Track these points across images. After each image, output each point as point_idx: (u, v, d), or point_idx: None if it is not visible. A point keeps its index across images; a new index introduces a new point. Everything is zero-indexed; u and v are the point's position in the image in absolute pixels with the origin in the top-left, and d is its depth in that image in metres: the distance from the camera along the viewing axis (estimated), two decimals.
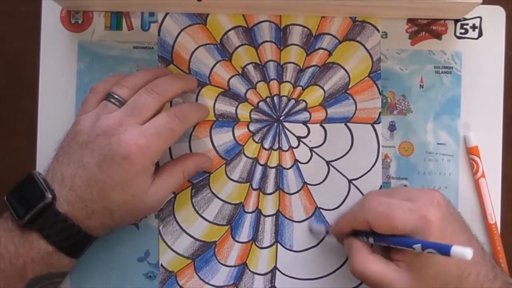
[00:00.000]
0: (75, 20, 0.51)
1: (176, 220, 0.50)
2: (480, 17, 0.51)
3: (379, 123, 0.51)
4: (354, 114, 0.51)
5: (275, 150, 0.51)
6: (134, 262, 0.50)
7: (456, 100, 0.51)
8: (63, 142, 0.44)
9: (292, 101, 0.51)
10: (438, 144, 0.51)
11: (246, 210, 0.51)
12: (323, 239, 0.50)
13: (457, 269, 0.40)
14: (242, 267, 0.50)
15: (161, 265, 0.50)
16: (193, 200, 0.50)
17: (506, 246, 0.50)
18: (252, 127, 0.51)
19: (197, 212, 0.50)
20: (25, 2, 0.52)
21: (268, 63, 0.51)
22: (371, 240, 0.43)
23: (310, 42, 0.51)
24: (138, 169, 0.42)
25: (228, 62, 0.51)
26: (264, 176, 0.51)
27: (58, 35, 0.51)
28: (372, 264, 0.41)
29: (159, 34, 0.51)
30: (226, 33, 0.51)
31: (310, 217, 0.50)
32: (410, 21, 0.51)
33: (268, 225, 0.51)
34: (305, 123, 0.51)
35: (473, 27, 0.51)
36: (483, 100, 0.51)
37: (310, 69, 0.51)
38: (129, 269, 0.50)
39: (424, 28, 0.51)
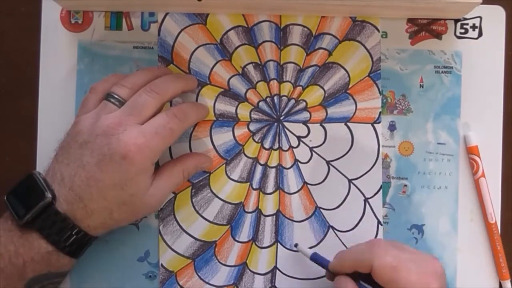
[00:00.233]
0: (75, 20, 0.51)
1: (176, 220, 0.50)
2: (480, 17, 0.51)
3: (379, 123, 0.51)
4: (354, 114, 0.51)
5: (275, 150, 0.51)
6: (134, 262, 0.50)
7: (456, 100, 0.51)
8: (63, 142, 0.44)
9: (292, 101, 0.51)
10: (438, 144, 0.51)
11: (246, 210, 0.51)
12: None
13: None
14: (242, 267, 0.50)
15: (161, 265, 0.50)
16: (193, 200, 0.50)
17: (506, 246, 0.50)
18: (252, 127, 0.51)
19: (197, 212, 0.50)
20: (25, 2, 0.52)
21: (268, 63, 0.51)
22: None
23: (310, 42, 0.51)
24: (137, 169, 0.42)
25: (228, 62, 0.51)
26: (264, 176, 0.51)
27: (58, 35, 0.51)
28: None
29: (159, 34, 0.51)
30: (226, 33, 0.51)
31: (310, 217, 0.50)
32: (410, 21, 0.51)
33: (268, 225, 0.51)
34: (305, 123, 0.51)
35: (473, 27, 0.51)
36: (483, 100, 0.51)
37: (310, 69, 0.51)
38: (129, 269, 0.50)
39: (424, 28, 0.51)
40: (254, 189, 0.51)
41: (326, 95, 0.51)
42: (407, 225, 0.50)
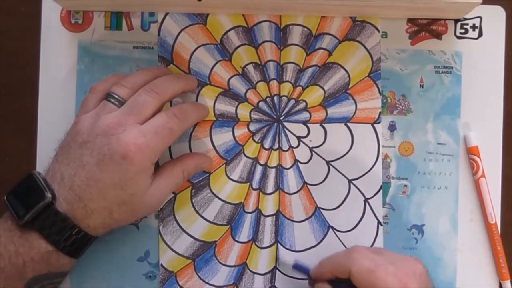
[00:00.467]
0: (75, 20, 0.51)
1: (176, 220, 0.50)
2: (480, 17, 0.51)
3: (379, 123, 0.51)
4: (354, 114, 0.51)
5: (275, 150, 0.51)
6: (134, 262, 0.50)
7: (456, 100, 0.51)
8: (63, 142, 0.44)
9: (292, 101, 0.51)
10: (438, 144, 0.51)
11: (246, 210, 0.51)
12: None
13: None
14: (242, 267, 0.50)
15: (161, 265, 0.50)
16: (193, 200, 0.50)
17: (506, 246, 0.50)
18: (252, 127, 0.51)
19: (197, 212, 0.50)
20: (25, 2, 0.52)
21: (268, 63, 0.51)
22: None
23: (310, 42, 0.51)
24: (137, 169, 0.42)
25: (228, 62, 0.51)
26: (264, 176, 0.51)
27: (58, 35, 0.51)
28: None
29: (159, 34, 0.51)
30: (226, 33, 0.51)
31: (310, 217, 0.50)
32: (410, 21, 0.51)
33: (268, 225, 0.50)
34: (305, 123, 0.51)
35: (473, 27, 0.51)
36: (483, 100, 0.51)
37: (310, 69, 0.51)
38: (129, 269, 0.50)
39: (424, 28, 0.51)
40: (254, 189, 0.51)
41: (326, 95, 0.51)
42: (407, 225, 0.50)
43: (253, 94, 0.51)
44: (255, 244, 0.50)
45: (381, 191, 0.50)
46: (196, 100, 0.51)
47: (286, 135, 0.51)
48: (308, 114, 0.51)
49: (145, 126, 0.43)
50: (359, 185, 0.50)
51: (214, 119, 0.51)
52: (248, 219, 0.50)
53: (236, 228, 0.50)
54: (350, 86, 0.51)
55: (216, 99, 0.51)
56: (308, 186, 0.51)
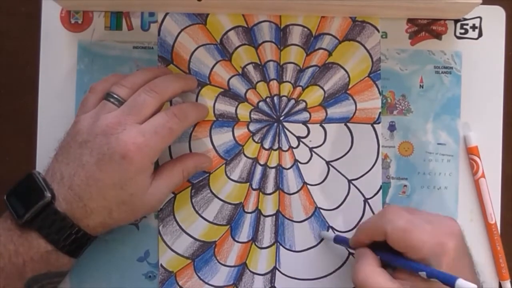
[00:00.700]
0: (75, 20, 0.51)
1: (176, 220, 0.50)
2: (480, 17, 0.51)
3: (379, 123, 0.51)
4: (354, 114, 0.51)
5: (275, 150, 0.51)
6: (134, 262, 0.50)
7: (456, 100, 0.51)
8: (63, 142, 0.45)
9: (292, 101, 0.51)
10: (438, 144, 0.51)
11: (246, 210, 0.51)
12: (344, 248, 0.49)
13: None
14: (242, 267, 0.50)
15: (161, 265, 0.50)
16: (193, 200, 0.50)
17: (506, 246, 0.50)
18: (252, 127, 0.51)
19: (197, 212, 0.50)
20: (25, 2, 0.52)
21: (268, 63, 0.51)
22: (382, 257, 0.42)
23: (310, 42, 0.51)
24: (137, 168, 0.42)
25: (228, 62, 0.51)
26: (264, 176, 0.51)
27: (58, 35, 0.51)
28: (378, 278, 0.40)
29: (159, 34, 0.51)
30: (226, 33, 0.51)
31: (310, 217, 0.50)
32: (410, 21, 0.51)
33: (268, 225, 0.50)
34: (305, 123, 0.51)
35: (473, 27, 0.51)
36: (483, 100, 0.51)
37: (310, 69, 0.51)
38: (129, 269, 0.50)
39: (424, 28, 0.51)
40: (254, 190, 0.51)
41: (326, 95, 0.51)
42: None
43: (253, 94, 0.51)
44: (255, 244, 0.50)
45: (381, 191, 0.50)
46: (196, 100, 0.51)
47: (286, 135, 0.51)
48: (308, 114, 0.51)
49: (144, 126, 0.43)
50: (359, 185, 0.50)
51: (214, 119, 0.51)
52: (248, 219, 0.50)
53: (236, 228, 0.50)
54: (350, 86, 0.51)
55: (216, 99, 0.51)
56: (308, 186, 0.51)
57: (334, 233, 0.50)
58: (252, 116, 0.51)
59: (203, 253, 0.50)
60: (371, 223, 0.44)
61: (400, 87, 0.51)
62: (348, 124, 0.51)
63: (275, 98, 0.51)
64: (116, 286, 0.50)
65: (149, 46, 0.51)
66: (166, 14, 0.51)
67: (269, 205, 0.51)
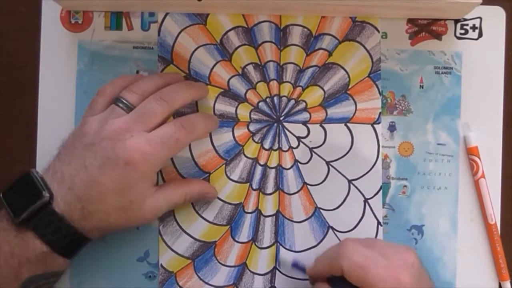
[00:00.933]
0: (75, 20, 0.51)
1: (176, 220, 0.50)
2: (480, 18, 0.51)
3: (379, 123, 0.51)
4: (354, 115, 0.51)
5: (275, 150, 0.51)
6: (134, 262, 0.50)
7: (456, 100, 0.51)
8: (67, 142, 0.44)
9: (292, 102, 0.51)
10: (438, 144, 0.51)
11: (246, 210, 0.51)
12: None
13: None
14: (242, 267, 0.50)
15: (161, 265, 0.50)
16: None
17: (506, 246, 0.50)
18: (252, 127, 0.51)
19: (197, 212, 0.50)
20: (25, 2, 0.52)
21: (268, 63, 0.51)
22: None
23: (310, 42, 0.51)
24: (139, 176, 0.42)
25: (228, 62, 0.51)
26: (264, 176, 0.51)
27: (58, 35, 0.51)
28: None
29: (159, 34, 0.51)
30: (226, 33, 0.51)
31: (310, 217, 0.50)
32: (410, 21, 0.51)
33: (268, 225, 0.51)
34: (305, 123, 0.51)
35: (473, 27, 0.51)
36: (483, 100, 0.51)
37: (310, 70, 0.51)
38: (129, 269, 0.50)
39: (424, 29, 0.51)
40: (254, 190, 0.51)
41: (326, 95, 0.51)
42: (407, 225, 0.50)
43: (253, 94, 0.51)
44: (255, 245, 0.50)
45: (381, 191, 0.50)
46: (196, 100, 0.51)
47: (286, 136, 0.51)
48: (308, 115, 0.51)
49: (152, 135, 0.43)
50: (359, 186, 0.50)
51: None
52: (248, 219, 0.50)
53: (236, 228, 0.50)
54: (350, 87, 0.51)
55: (216, 99, 0.51)
56: (308, 186, 0.51)
57: (334, 232, 0.50)
58: (252, 116, 0.51)
59: (203, 253, 0.50)
60: (329, 258, 0.44)
61: (400, 87, 0.51)
62: (348, 124, 0.51)
63: (275, 98, 0.51)
64: (116, 286, 0.50)
65: (149, 46, 0.51)
66: (166, 14, 0.51)
67: (269, 205, 0.51)
